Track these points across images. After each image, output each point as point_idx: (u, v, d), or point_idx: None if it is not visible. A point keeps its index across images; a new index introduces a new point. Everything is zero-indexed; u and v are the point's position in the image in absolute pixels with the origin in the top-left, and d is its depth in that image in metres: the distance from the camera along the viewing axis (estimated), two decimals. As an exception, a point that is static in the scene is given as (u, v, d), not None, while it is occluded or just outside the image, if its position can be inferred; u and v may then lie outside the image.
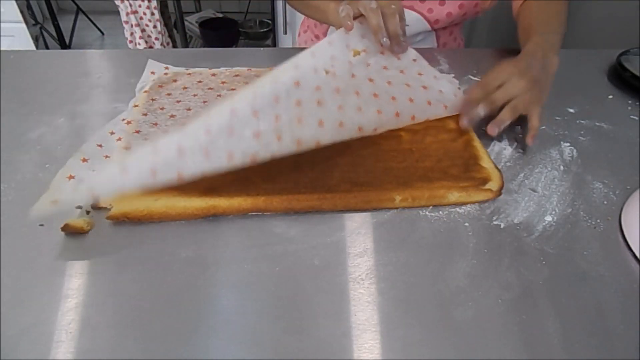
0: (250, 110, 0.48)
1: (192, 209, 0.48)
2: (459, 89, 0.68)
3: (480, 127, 0.59)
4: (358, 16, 0.60)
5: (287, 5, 1.84)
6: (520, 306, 0.41)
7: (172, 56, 0.74)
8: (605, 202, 0.51)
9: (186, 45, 2.01)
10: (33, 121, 0.60)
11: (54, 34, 2.07)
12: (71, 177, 0.50)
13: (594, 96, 0.68)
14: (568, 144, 0.59)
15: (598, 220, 0.49)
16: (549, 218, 0.49)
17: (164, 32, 1.86)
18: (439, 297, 0.42)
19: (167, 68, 0.72)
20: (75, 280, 0.42)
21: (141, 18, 1.77)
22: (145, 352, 0.38)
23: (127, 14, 1.76)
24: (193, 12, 2.34)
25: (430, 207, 0.50)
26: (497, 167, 0.54)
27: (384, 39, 0.59)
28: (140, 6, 1.74)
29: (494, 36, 1.60)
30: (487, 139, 0.59)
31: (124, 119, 0.60)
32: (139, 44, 1.81)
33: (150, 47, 1.83)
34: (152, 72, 0.70)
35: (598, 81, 0.72)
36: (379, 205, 0.50)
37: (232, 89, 0.67)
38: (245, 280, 0.43)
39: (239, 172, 0.52)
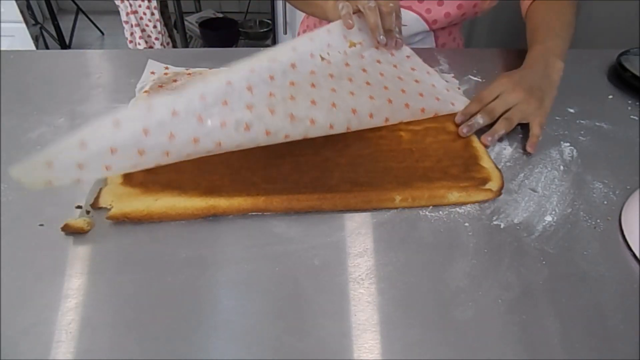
0: (245, 84, 0.50)
1: (192, 209, 0.48)
2: (459, 88, 0.68)
3: (481, 128, 0.59)
4: (356, 12, 0.62)
5: (287, 5, 1.85)
6: (520, 306, 0.41)
7: (172, 56, 0.74)
8: (605, 202, 0.51)
9: (186, 45, 2.01)
10: (33, 121, 0.60)
11: (54, 34, 2.07)
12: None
13: (594, 96, 0.68)
14: (568, 144, 0.59)
15: (598, 220, 0.49)
16: (549, 218, 0.49)
17: (164, 32, 1.86)
18: (439, 297, 0.42)
19: (167, 68, 0.72)
20: (75, 280, 0.42)
21: (141, 18, 1.77)
22: (145, 352, 0.38)
23: (127, 14, 1.76)
24: (193, 12, 2.34)
25: (430, 207, 0.50)
26: (497, 167, 0.54)
27: (381, 37, 0.62)
28: (140, 6, 1.74)
29: (494, 36, 1.60)
30: (487, 139, 0.59)
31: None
32: (139, 44, 1.81)
33: (150, 47, 1.83)
34: (152, 72, 0.70)
35: (598, 81, 0.72)
36: (379, 205, 0.50)
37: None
38: (245, 280, 0.43)
39: (239, 172, 0.52)
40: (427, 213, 0.50)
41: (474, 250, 0.46)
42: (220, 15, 2.30)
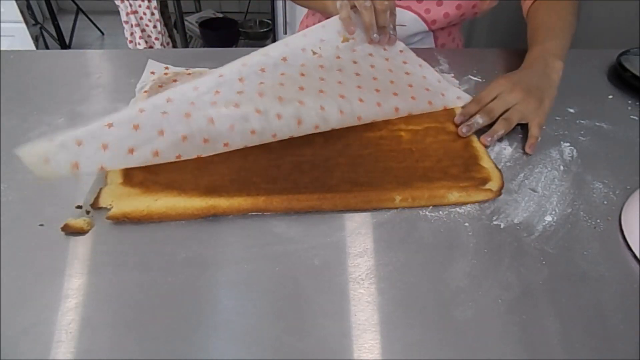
0: (237, 76, 0.55)
1: (192, 209, 0.48)
2: (459, 88, 0.68)
3: (481, 128, 0.59)
4: (352, 7, 0.64)
5: (287, 5, 1.85)
6: (520, 306, 0.41)
7: (172, 56, 0.74)
8: (605, 202, 0.51)
9: (186, 45, 2.01)
10: (33, 121, 0.60)
11: (54, 34, 2.07)
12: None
13: (594, 96, 0.68)
14: (568, 144, 0.59)
15: (598, 220, 0.49)
16: (549, 218, 0.49)
17: (164, 32, 1.86)
18: (439, 297, 0.42)
19: (167, 68, 0.72)
20: (75, 280, 0.42)
21: (141, 18, 1.77)
22: (145, 352, 0.38)
23: (127, 14, 1.76)
24: (193, 12, 2.34)
25: (430, 207, 0.50)
26: (497, 167, 0.54)
27: (374, 35, 0.65)
28: (140, 6, 1.74)
29: (494, 36, 1.60)
30: (487, 139, 0.59)
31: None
32: (139, 44, 1.81)
33: (150, 47, 1.83)
34: (152, 72, 0.70)
35: (598, 81, 0.72)
36: (379, 205, 0.50)
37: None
38: (245, 280, 0.43)
39: (239, 172, 0.52)
40: (427, 213, 0.50)
41: (474, 250, 0.46)
42: (220, 15, 2.30)
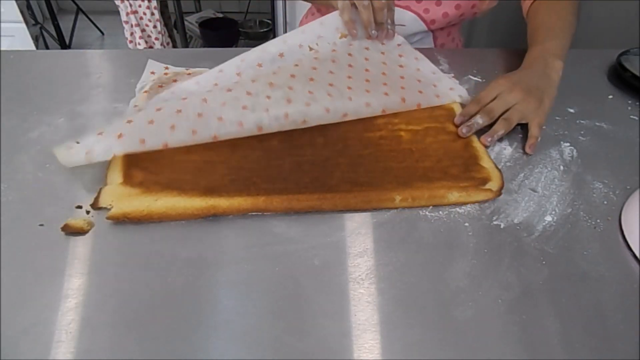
0: (235, 70, 0.60)
1: (192, 209, 0.48)
2: (466, 93, 0.68)
3: (481, 128, 0.59)
4: (352, 5, 0.67)
5: (287, 5, 1.85)
6: (520, 306, 0.41)
7: (172, 56, 0.74)
8: (605, 202, 0.51)
9: (186, 45, 2.01)
10: (33, 121, 0.60)
11: (54, 34, 2.07)
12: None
13: (594, 96, 0.68)
14: (568, 144, 0.59)
15: (598, 220, 0.49)
16: (549, 218, 0.49)
17: (164, 32, 1.85)
18: (439, 297, 0.42)
19: (167, 68, 0.72)
20: (75, 280, 0.42)
21: (141, 18, 1.77)
22: (145, 352, 0.38)
23: (127, 14, 1.76)
24: (193, 12, 2.34)
25: (430, 207, 0.50)
26: (497, 167, 0.54)
27: (373, 32, 0.67)
28: (140, 6, 1.74)
29: (494, 36, 1.59)
30: (487, 139, 0.59)
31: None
32: (139, 44, 1.81)
33: (150, 47, 1.83)
34: (152, 72, 0.70)
35: (598, 81, 0.72)
36: (379, 205, 0.50)
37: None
38: (245, 280, 0.43)
39: (239, 172, 0.52)
40: (427, 213, 0.50)
41: (474, 250, 0.46)
42: (220, 15, 2.30)
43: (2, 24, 1.92)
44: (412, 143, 0.57)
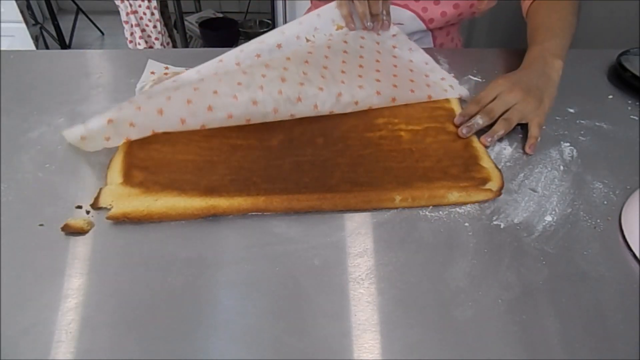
0: (234, 60, 0.63)
1: (192, 209, 0.48)
2: (457, 83, 0.69)
3: (481, 128, 0.59)
4: None
5: (287, 5, 1.85)
6: (520, 306, 0.41)
7: (172, 56, 0.74)
8: (605, 202, 0.51)
9: (186, 45, 2.01)
10: (33, 121, 0.60)
11: (54, 34, 2.07)
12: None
13: (594, 96, 0.68)
14: (568, 144, 0.59)
15: (598, 220, 0.49)
16: (549, 218, 0.49)
17: (164, 32, 1.85)
18: (439, 297, 0.42)
19: (167, 68, 0.72)
20: (75, 280, 0.42)
21: (141, 18, 1.77)
22: (145, 352, 0.38)
23: (127, 14, 1.76)
24: (193, 12, 2.34)
25: (430, 207, 0.50)
26: (497, 167, 0.54)
27: (368, 23, 0.69)
28: (140, 6, 1.74)
29: (494, 36, 1.59)
30: (487, 139, 0.59)
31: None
32: (139, 44, 1.81)
33: (150, 47, 1.83)
34: (152, 72, 0.70)
35: (598, 81, 0.72)
36: (379, 205, 0.50)
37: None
38: (245, 280, 0.43)
39: (239, 172, 0.52)
40: (427, 213, 0.50)
41: (474, 250, 0.46)
42: (220, 15, 2.30)
43: (2, 24, 1.92)
44: (412, 143, 0.57)
